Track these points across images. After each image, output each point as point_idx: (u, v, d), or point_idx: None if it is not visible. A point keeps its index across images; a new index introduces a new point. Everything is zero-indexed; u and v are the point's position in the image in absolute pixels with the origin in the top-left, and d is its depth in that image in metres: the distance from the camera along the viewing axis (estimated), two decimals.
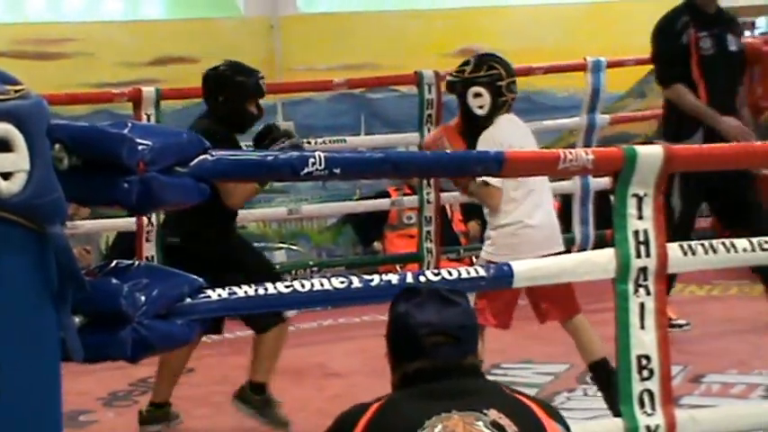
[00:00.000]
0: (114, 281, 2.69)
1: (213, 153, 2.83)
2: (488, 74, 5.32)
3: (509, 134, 5.26)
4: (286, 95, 10.38)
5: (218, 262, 5.24)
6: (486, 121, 5.29)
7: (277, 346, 5.60)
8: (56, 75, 9.72)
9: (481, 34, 11.30)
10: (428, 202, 8.03)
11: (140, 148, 2.61)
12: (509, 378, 6.08)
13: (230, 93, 5.67)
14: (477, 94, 5.27)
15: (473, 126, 5.32)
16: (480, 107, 5.27)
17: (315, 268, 8.23)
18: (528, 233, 5.27)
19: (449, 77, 5.56)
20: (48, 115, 2.41)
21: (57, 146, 2.49)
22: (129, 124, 2.65)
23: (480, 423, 2.53)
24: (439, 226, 8.14)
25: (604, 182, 6.96)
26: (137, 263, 2.83)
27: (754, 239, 3.71)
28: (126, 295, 2.66)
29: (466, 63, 5.44)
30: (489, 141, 5.16)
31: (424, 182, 7.89)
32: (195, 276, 2.93)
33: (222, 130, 5.50)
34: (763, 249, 3.70)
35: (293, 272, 8.05)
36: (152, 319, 2.71)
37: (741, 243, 3.69)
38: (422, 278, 3.29)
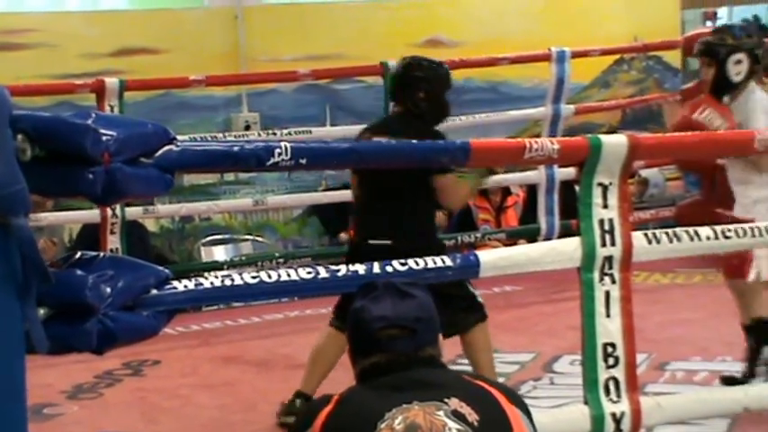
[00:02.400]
0: (79, 272, 2.67)
1: (179, 144, 2.81)
2: (749, 42, 5.54)
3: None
4: (251, 87, 10.37)
5: None
6: (737, 88, 5.44)
7: (487, 340, 5.54)
8: (18, 66, 9.67)
9: (447, 25, 11.34)
10: None
11: (105, 138, 2.59)
12: None
13: (432, 86, 5.50)
14: (739, 61, 5.41)
15: (723, 92, 5.44)
16: (738, 74, 5.41)
17: (281, 260, 8.19)
18: None
19: (707, 42, 5.60)
20: (10, 105, 2.38)
21: (19, 136, 2.46)
22: (93, 115, 2.62)
23: (441, 412, 2.55)
24: None
25: (569, 172, 6.98)
26: (102, 254, 2.80)
27: (717, 227, 3.74)
28: (91, 287, 2.64)
29: (720, 30, 5.66)
30: (759, 108, 5.38)
31: None
32: (161, 267, 2.92)
33: (435, 130, 5.40)
34: (726, 237, 3.72)
35: (259, 263, 8.04)
36: (118, 310, 2.69)
37: (704, 231, 3.72)
38: (388, 268, 3.29)
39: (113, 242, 7.52)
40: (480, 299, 5.41)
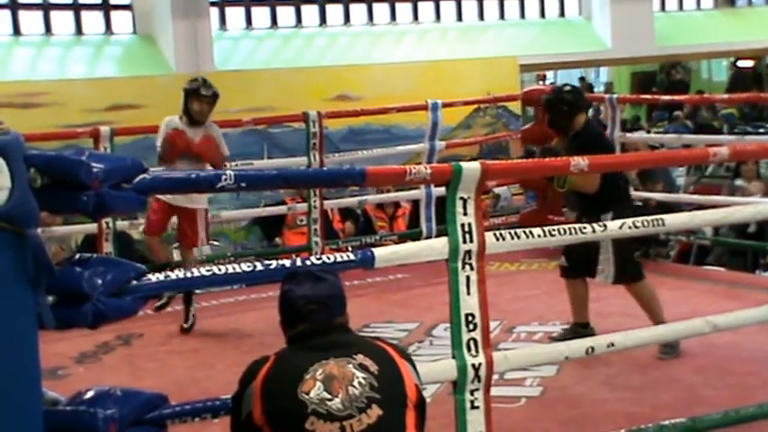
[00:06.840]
0: (78, 269, 2.63)
1: (150, 173, 2.78)
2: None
3: None
4: None
5: None
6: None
7: (652, 293, 5.54)
8: (36, 120, 9.48)
9: (351, 85, 11.37)
10: (315, 207, 7.99)
11: (95, 170, 2.56)
12: (376, 333, 6.09)
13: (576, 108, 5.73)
14: None
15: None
16: None
17: (232, 258, 8.16)
18: None
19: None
20: (24, 147, 2.37)
21: (32, 169, 2.43)
22: (87, 152, 2.60)
23: (350, 365, 2.57)
24: (323, 225, 8.12)
25: (442, 190, 7.00)
26: (95, 255, 2.77)
27: (546, 228, 3.77)
28: (87, 279, 2.61)
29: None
30: None
31: (312, 192, 7.85)
32: (139, 264, 2.89)
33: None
34: (552, 235, 3.76)
35: (216, 261, 7.98)
36: (107, 296, 2.66)
37: (537, 231, 3.75)
38: (308, 262, 3.28)
39: (107, 247, 7.41)
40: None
